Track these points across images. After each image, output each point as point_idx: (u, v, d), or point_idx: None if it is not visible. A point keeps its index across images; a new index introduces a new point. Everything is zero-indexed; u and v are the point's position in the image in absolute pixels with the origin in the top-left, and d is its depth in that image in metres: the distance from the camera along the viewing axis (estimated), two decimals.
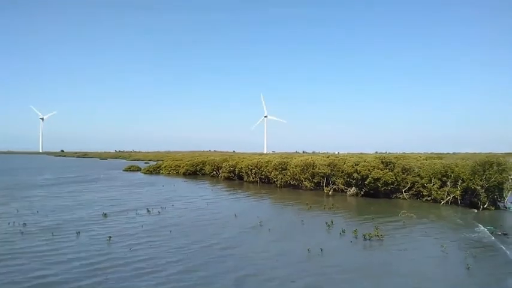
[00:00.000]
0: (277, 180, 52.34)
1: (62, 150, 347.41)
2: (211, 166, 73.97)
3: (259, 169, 58.50)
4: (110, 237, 20.97)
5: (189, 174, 76.82)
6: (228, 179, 65.32)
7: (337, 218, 27.94)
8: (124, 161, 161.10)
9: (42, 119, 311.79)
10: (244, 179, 61.38)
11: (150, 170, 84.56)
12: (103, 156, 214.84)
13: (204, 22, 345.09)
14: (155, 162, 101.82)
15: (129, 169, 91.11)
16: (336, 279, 14.74)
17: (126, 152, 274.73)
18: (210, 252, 18.36)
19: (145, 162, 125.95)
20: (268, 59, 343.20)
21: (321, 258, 17.69)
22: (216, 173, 71.75)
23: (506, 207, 33.73)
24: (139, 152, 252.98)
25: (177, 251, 18.64)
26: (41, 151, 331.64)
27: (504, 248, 20.15)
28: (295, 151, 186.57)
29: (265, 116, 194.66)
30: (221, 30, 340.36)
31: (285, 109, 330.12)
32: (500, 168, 33.35)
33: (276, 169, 53.43)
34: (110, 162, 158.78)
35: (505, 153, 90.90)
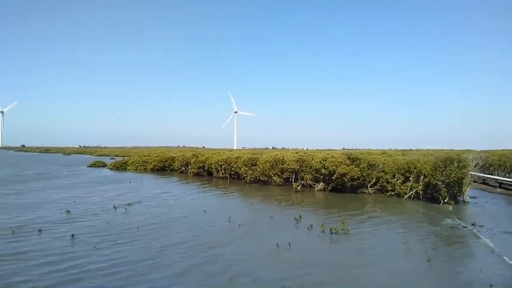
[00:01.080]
0: (246, 176, 52.44)
1: (23, 145, 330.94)
2: (180, 162, 73.03)
3: (228, 165, 58.40)
4: (73, 235, 20.26)
5: (157, 170, 75.44)
6: (197, 175, 64.76)
7: (305, 212, 28.39)
8: (89, 156, 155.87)
9: (2, 112, 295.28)
10: (214, 175, 61.04)
11: (117, 165, 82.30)
12: (66, 152, 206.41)
13: (167, 15, 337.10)
14: (122, 158, 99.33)
15: (94, 165, 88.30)
16: (303, 273, 14.98)
17: (91, 147, 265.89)
18: (177, 249, 18.12)
19: (111, 158, 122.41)
20: (236, 54, 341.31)
21: (288, 252, 17.93)
22: (185, 169, 70.96)
23: (465, 202, 35.42)
24: (104, 147, 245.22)
25: (143, 248, 18.25)
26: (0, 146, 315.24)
27: (462, 240, 21.30)
28: (265, 147, 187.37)
29: (235, 112, 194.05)
30: (190, 24, 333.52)
31: (254, 105, 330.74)
32: (460, 165, 35.02)
33: (245, 165, 53.53)
34: (74, 157, 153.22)
35: (464, 149, 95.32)
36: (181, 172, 71.39)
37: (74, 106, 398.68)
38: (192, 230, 22.31)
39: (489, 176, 56.36)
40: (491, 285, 13.34)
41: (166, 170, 75.72)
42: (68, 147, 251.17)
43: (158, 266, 15.37)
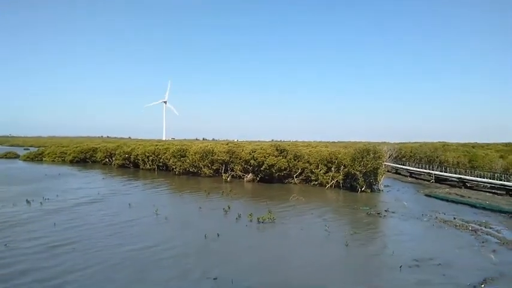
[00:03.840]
0: (175, 168, 51.52)
1: None
2: (104, 153, 69.24)
3: (156, 156, 56.86)
4: None
5: (78, 162, 70.81)
6: (122, 167, 62.05)
7: (234, 203, 28.82)
8: None
9: None
10: (141, 167, 59.05)
11: (31, 157, 75.71)
12: None
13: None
14: (37, 149, 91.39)
15: (5, 156, 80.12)
16: (230, 262, 15.33)
17: (2, 136, 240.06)
18: (100, 244, 17.27)
19: (25, 149, 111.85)
20: (173, 44, 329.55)
21: (217, 242, 18.17)
22: (109, 160, 67.53)
23: (380, 190, 38.63)
24: (17, 137, 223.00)
25: (59, 245, 17.01)
26: None
27: (376, 226, 23.37)
28: (195, 138, 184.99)
29: (164, 101, 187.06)
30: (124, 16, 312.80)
31: (185, 95, 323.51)
32: (375, 156, 38.04)
33: (174, 156, 52.51)
34: None
35: (380, 141, 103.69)
36: (104, 164, 67.81)
37: None
38: (115, 225, 21.28)
39: (401, 166, 62.06)
40: (400, 266, 14.85)
41: (88, 162, 71.40)
42: None
43: (74, 265, 14.58)
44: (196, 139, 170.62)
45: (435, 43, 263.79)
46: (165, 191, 37.35)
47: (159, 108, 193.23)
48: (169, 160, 53.42)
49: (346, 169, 38.90)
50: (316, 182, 41.11)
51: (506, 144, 77.95)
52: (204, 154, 48.89)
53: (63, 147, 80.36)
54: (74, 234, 19.11)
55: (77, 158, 71.69)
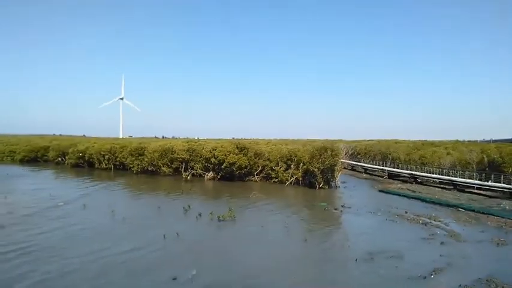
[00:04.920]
0: (133, 167, 50.15)
1: None
2: (56, 152, 66.03)
3: (113, 155, 55.04)
4: None
5: (28, 161, 67.25)
6: (76, 166, 59.37)
7: (195, 202, 28.62)
8: None
9: None
10: (96, 166, 56.91)
11: None
12: None
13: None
14: None
15: None
16: (190, 261, 15.22)
17: None
18: (52, 249, 16.44)
19: None
20: (126, 39, 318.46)
21: (176, 242, 17.96)
22: (62, 159, 64.44)
23: (337, 186, 39.81)
24: None
25: (8, 251, 16.05)
26: None
27: (333, 221, 24.12)
28: (154, 136, 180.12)
29: (121, 98, 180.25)
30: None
31: (143, 92, 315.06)
32: (333, 153, 39.14)
33: (132, 155, 51.12)
34: None
35: (337, 139, 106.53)
36: (57, 163, 64.71)
37: None
38: (68, 228, 20.38)
39: (357, 163, 64.33)
40: (356, 259, 15.47)
41: (39, 161, 67.92)
42: None
43: (17, 277, 13.88)
44: (155, 137, 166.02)
45: (385, 44, 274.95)
46: (122, 190, 36.27)
47: (115, 105, 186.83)
48: (126, 159, 51.93)
49: (305, 166, 39.69)
50: (276, 180, 41.64)
51: (454, 142, 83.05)
52: (163, 152, 47.99)
53: (12, 145, 75.62)
54: (24, 238, 18.07)
55: (27, 157, 68.05)
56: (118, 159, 54.32)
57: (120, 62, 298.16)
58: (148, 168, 48.97)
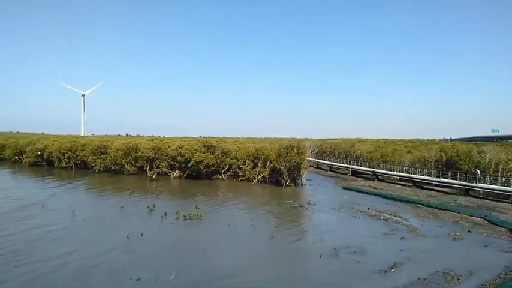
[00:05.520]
0: (95, 166, 48.50)
1: None
2: (13, 150, 62.76)
3: (73, 153, 52.98)
4: None
5: None
6: (34, 165, 56.60)
7: (160, 201, 28.11)
8: None
9: None
10: (56, 165, 54.57)
11: None
12: None
13: None
14: None
15: None
16: (154, 260, 14.97)
17: None
18: (5, 256, 15.59)
19: None
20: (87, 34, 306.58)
21: (140, 242, 17.57)
22: (19, 158, 61.29)
23: (303, 184, 40.38)
24: None
25: None
26: None
27: (299, 218, 24.48)
28: (117, 134, 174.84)
29: (82, 95, 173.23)
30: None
31: (105, 90, 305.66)
32: (299, 151, 39.69)
33: (94, 153, 49.42)
34: None
35: (303, 138, 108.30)
36: (14, 162, 61.49)
37: None
38: (25, 233, 19.29)
39: (322, 161, 65.57)
40: (320, 255, 15.77)
41: None
42: None
43: None
44: (119, 135, 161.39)
45: (356, 45, 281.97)
46: (83, 190, 34.95)
47: (77, 102, 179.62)
48: (88, 157, 50.12)
49: (272, 164, 39.94)
50: (244, 178, 41.66)
51: (413, 141, 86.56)
52: (127, 151, 46.74)
53: None
54: None
55: None
56: (79, 157, 52.32)
57: (78, 57, 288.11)
58: (111, 167, 47.53)
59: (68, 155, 53.39)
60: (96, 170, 48.14)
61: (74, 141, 57.73)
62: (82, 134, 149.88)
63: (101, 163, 48.10)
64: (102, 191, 33.52)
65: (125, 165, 46.35)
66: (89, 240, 17.88)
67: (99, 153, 48.98)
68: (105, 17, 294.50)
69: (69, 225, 20.92)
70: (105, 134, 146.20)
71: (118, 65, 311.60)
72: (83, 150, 52.06)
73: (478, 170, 33.76)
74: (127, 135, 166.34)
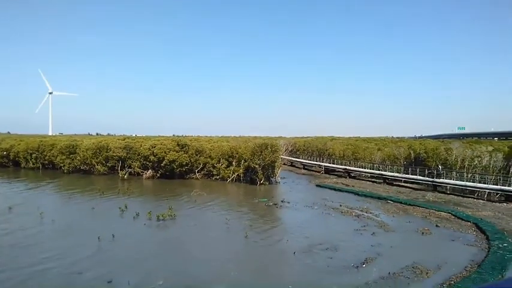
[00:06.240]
0: (64, 166, 47.02)
1: None
2: None
3: (41, 153, 51.22)
4: None
5: None
6: (0, 166, 54.45)
7: (132, 201, 27.59)
8: None
9: None
10: (22, 166, 52.68)
11: None
12: None
13: None
14: None
15: None
16: (126, 262, 14.74)
17: None
18: None
19: None
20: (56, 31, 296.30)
21: (112, 244, 17.22)
22: None
23: (277, 182, 40.67)
24: None
25: None
26: None
27: (274, 216, 24.65)
28: (87, 133, 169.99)
29: (50, 93, 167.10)
30: None
31: (75, 87, 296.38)
32: (273, 150, 39.92)
33: (62, 153, 47.88)
34: None
35: (277, 136, 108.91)
36: None
37: None
38: None
39: (296, 159, 66.22)
40: (294, 252, 15.97)
41: None
42: None
43: None
44: (89, 134, 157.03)
45: (327, 43, 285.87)
46: (52, 191, 33.89)
47: (45, 101, 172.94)
48: (56, 157, 48.51)
49: (246, 163, 39.99)
50: (218, 177, 41.49)
51: (384, 139, 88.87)
52: (98, 150, 45.56)
53: None
54: None
55: None
56: (47, 158, 50.62)
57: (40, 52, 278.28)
58: (81, 167, 46.25)
59: (35, 155, 51.60)
60: (65, 171, 46.70)
61: (42, 140, 55.86)
62: (50, 134, 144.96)
63: (70, 163, 46.70)
64: (71, 192, 32.55)
65: (95, 165, 45.17)
66: (58, 243, 17.34)
67: (68, 153, 47.52)
68: (67, 17, 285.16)
69: (37, 228, 20.22)
70: (74, 133, 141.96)
71: (87, 64, 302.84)
72: (51, 150, 50.39)
73: (440, 166, 35.04)
74: (97, 134, 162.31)
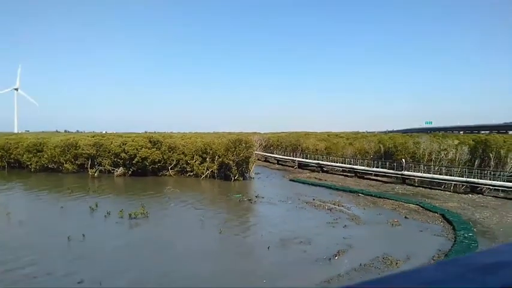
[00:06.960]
0: (31, 164, 45.32)
1: None
2: None
3: (6, 152, 49.11)
4: None
5: None
6: None
7: (103, 200, 26.99)
8: None
9: None
10: None
11: None
12: None
13: None
14: None
15: None
16: (98, 262, 14.48)
17: None
18: None
19: None
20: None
21: (82, 244, 16.81)
22: None
23: (251, 177, 40.80)
24: None
25: None
26: None
27: (248, 212, 24.78)
28: (55, 130, 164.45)
29: (15, 89, 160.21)
30: None
31: (41, 81, 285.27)
32: (247, 145, 39.99)
33: (29, 151, 46.12)
34: None
35: (251, 132, 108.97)
36: None
37: None
38: None
39: (270, 154, 66.57)
40: (268, 247, 16.13)
41: None
42: None
43: None
44: (57, 131, 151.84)
45: (301, 42, 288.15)
46: (19, 191, 32.69)
47: (9, 97, 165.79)
48: (22, 156, 46.68)
49: (220, 159, 39.87)
50: (192, 173, 41.19)
51: (355, 133, 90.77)
52: (66, 148, 44.14)
53: None
54: None
55: None
56: (13, 156, 48.64)
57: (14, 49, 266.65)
58: (49, 166, 44.67)
59: (0, 153, 49.41)
60: (32, 169, 45.04)
61: (7, 138, 53.65)
62: (16, 131, 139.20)
63: (37, 162, 45.04)
64: (39, 191, 31.48)
65: (63, 164, 43.78)
66: (26, 244, 16.75)
67: (35, 151, 45.80)
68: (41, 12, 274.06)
69: (3, 229, 19.52)
70: (41, 131, 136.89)
71: (56, 59, 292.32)
72: (16, 148, 48.45)
73: (403, 160, 36.24)
74: (66, 131, 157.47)
